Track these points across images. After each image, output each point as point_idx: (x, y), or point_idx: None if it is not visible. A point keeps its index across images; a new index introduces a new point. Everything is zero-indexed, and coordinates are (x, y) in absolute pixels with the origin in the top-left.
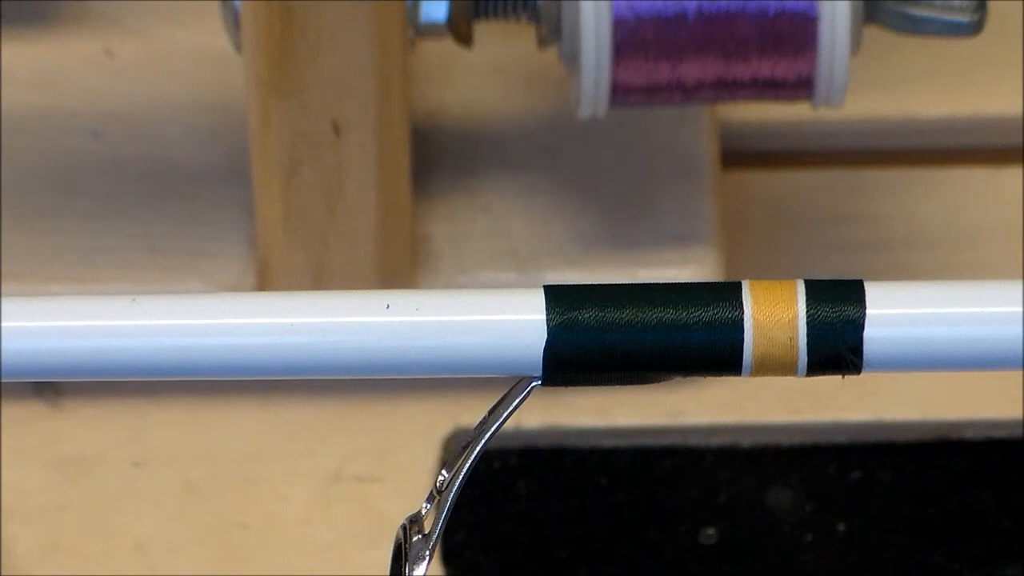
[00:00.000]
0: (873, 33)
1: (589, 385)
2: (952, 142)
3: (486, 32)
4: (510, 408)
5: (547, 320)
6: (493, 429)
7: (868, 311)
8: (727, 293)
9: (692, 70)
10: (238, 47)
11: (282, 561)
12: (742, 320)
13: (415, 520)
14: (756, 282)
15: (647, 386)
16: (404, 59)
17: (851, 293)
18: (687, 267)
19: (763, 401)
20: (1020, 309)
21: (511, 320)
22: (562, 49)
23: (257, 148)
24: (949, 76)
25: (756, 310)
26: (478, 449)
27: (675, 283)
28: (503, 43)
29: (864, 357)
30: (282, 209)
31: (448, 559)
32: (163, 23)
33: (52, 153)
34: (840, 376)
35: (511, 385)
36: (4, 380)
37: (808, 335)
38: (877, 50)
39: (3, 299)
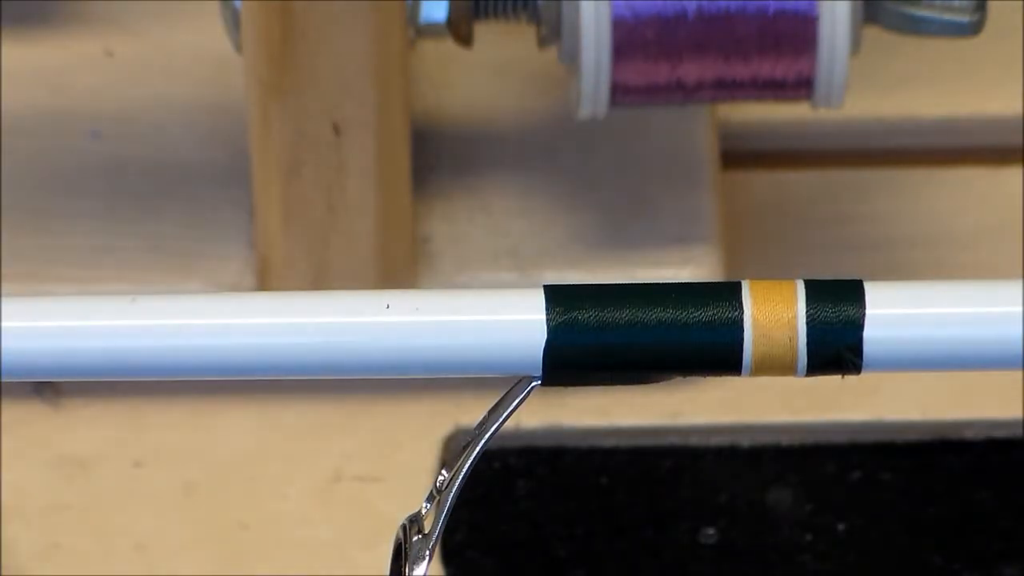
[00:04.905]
0: (873, 33)
1: (589, 385)
2: (952, 142)
3: (486, 32)
4: (510, 408)
5: (547, 320)
6: (493, 429)
7: (868, 311)
8: (727, 293)
9: (692, 70)
10: (238, 47)
11: (282, 561)
12: (742, 320)
13: (415, 520)
14: (756, 282)
15: (647, 386)
16: (404, 59)
17: (851, 293)
18: (687, 267)
19: (763, 401)
20: (1020, 309)
21: (511, 320)
22: (562, 49)
23: (257, 148)
24: (949, 76)
25: (756, 310)
26: (478, 449)
27: (675, 283)
28: (503, 43)
29: (864, 357)
30: (282, 209)
31: (448, 559)
32: (163, 23)
33: (52, 153)
34: (840, 376)
35: (511, 385)
36: (4, 380)
37: (808, 335)
38: (877, 50)
39: (3, 299)
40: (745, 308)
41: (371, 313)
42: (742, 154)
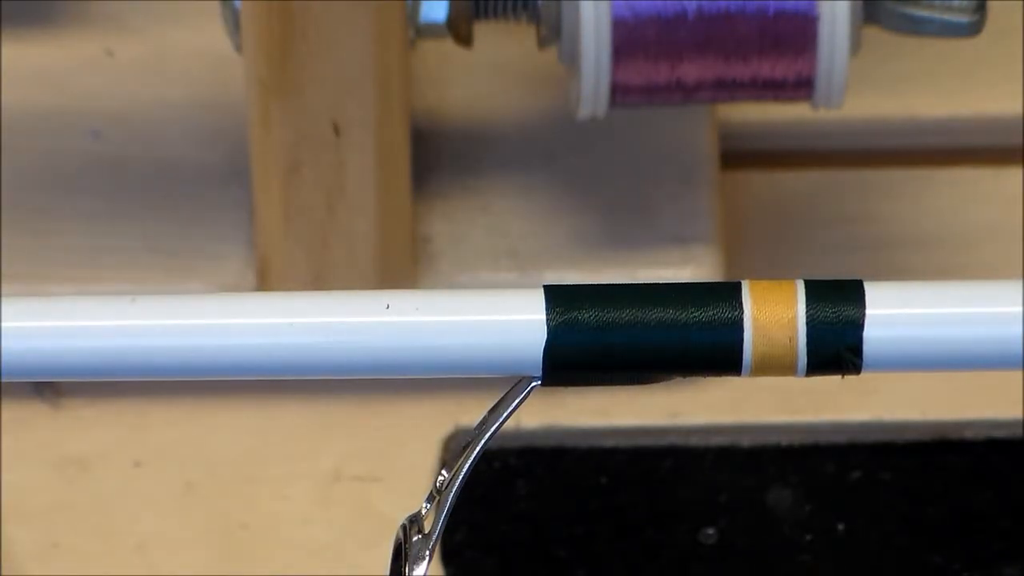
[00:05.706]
0: (873, 33)
1: (589, 385)
2: (952, 142)
3: (486, 32)
4: (510, 408)
5: (547, 320)
6: (493, 429)
7: (868, 311)
8: (727, 293)
9: (692, 70)
10: (238, 47)
11: (282, 561)
12: (742, 320)
13: (415, 520)
14: (756, 282)
15: (647, 386)
16: (404, 59)
17: (851, 293)
18: (687, 267)
19: (763, 401)
20: (1020, 309)
21: (511, 320)
22: (562, 49)
23: (257, 148)
24: (949, 76)
25: (756, 310)
26: (478, 449)
27: (675, 283)
28: (503, 43)
29: (864, 357)
30: (282, 209)
31: (448, 559)
32: (163, 23)
33: (52, 153)
34: (840, 376)
35: (511, 385)
36: (4, 380)
37: (808, 335)
38: (877, 50)
39: (3, 299)
40: (745, 308)
41: (371, 313)
42: (742, 154)
